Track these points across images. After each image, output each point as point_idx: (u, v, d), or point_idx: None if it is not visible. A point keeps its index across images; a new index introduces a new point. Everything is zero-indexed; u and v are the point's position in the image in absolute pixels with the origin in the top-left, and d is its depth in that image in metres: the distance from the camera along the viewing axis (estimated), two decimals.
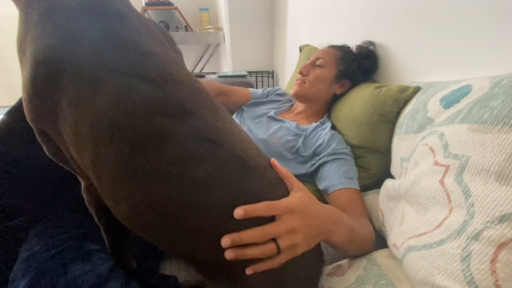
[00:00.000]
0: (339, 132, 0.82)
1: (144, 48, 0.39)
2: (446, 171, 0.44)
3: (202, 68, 2.38)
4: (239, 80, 1.47)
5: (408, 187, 0.51)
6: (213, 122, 0.40)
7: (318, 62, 0.90)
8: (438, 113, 0.54)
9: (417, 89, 0.67)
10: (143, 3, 2.00)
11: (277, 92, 1.10)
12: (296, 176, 0.75)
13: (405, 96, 0.68)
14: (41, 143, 0.42)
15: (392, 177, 0.73)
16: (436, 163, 0.46)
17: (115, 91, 0.35)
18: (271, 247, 0.37)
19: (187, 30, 2.18)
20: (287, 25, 1.71)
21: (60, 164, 0.44)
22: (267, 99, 1.05)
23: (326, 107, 0.93)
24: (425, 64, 0.74)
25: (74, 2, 0.39)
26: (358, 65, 0.88)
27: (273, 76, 2.05)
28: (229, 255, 0.35)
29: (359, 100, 0.77)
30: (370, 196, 0.74)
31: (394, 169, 0.69)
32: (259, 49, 2.00)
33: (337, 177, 0.69)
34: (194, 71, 2.38)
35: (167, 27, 2.14)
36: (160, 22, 2.13)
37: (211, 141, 0.38)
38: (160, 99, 0.36)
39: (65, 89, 0.35)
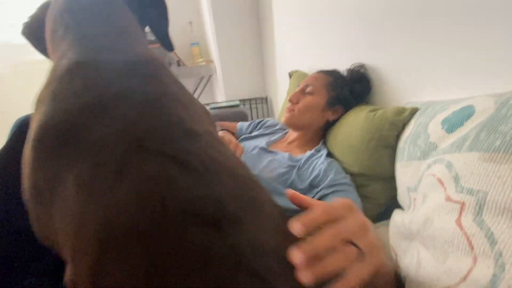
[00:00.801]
0: (337, 160, 0.77)
1: (189, 125, 0.32)
2: (461, 210, 0.38)
3: None
4: (232, 110, 1.45)
5: (420, 226, 0.45)
6: (264, 237, 0.27)
7: (307, 90, 0.87)
8: (441, 138, 0.49)
9: (414, 111, 0.63)
10: None
11: (266, 125, 1.06)
12: (292, 210, 0.70)
13: (402, 119, 0.63)
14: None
15: (400, 207, 0.66)
16: (448, 199, 0.40)
17: (145, 180, 0.26)
18: (351, 249, 0.27)
19: (179, 65, 2.21)
20: (275, 51, 1.72)
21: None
22: (257, 133, 1.01)
23: (320, 134, 0.88)
24: (418, 83, 0.70)
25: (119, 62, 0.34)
26: (350, 89, 0.85)
27: (267, 102, 2.04)
28: (306, 276, 0.24)
29: (354, 126, 0.73)
30: (380, 230, 0.67)
31: (401, 198, 0.63)
32: (250, 77, 2.01)
33: None
34: None
35: None
36: None
37: (258, 276, 0.24)
38: (199, 198, 0.26)
39: (77, 164, 0.27)
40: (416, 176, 0.53)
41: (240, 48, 1.93)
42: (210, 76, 2.29)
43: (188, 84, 2.44)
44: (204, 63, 2.14)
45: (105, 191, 0.26)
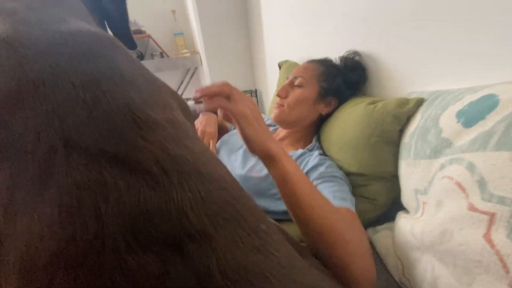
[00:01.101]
0: (332, 159, 0.70)
1: (140, 112, 0.25)
2: (491, 222, 0.31)
3: (182, 94, 2.27)
4: None
5: (435, 238, 0.38)
6: (239, 255, 0.23)
7: (297, 82, 0.78)
8: (457, 133, 0.42)
9: (419, 102, 0.55)
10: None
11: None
12: (281, 213, 0.63)
13: (406, 111, 0.56)
14: None
15: (403, 208, 0.60)
16: (472, 208, 0.33)
17: (73, 191, 0.20)
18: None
19: (162, 57, 2.09)
20: (264, 41, 1.63)
21: None
22: None
23: (313, 130, 0.81)
24: (422, 70, 0.63)
25: None
26: (343, 79, 0.77)
27: (256, 95, 1.95)
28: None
29: (351, 120, 0.65)
30: (382, 234, 0.60)
31: (407, 200, 0.56)
32: (239, 69, 1.91)
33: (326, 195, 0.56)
34: None
35: (142, 57, 2.05)
36: (132, 52, 2.04)
37: None
38: (151, 213, 0.21)
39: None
40: (426, 177, 0.47)
41: (226, 38, 1.82)
42: (196, 68, 2.18)
43: (173, 77, 2.32)
44: (188, 54, 2.02)
45: (26, 209, 0.20)
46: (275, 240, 0.28)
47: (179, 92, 2.31)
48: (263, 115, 1.04)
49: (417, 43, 0.62)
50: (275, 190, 0.65)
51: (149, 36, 2.01)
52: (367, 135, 0.60)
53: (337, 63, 0.83)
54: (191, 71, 2.21)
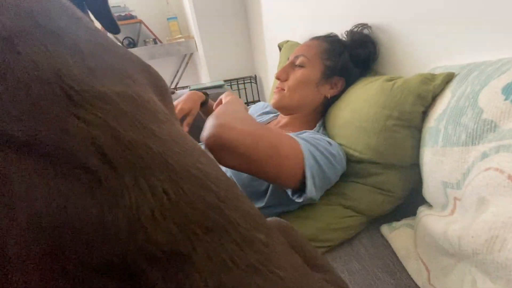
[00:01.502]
0: (341, 146, 0.61)
1: (78, 83, 0.18)
2: None
3: (177, 82, 2.18)
4: (216, 91, 1.27)
5: (480, 247, 0.30)
6: (228, 283, 0.17)
7: (298, 61, 0.69)
8: (505, 113, 0.33)
9: (448, 77, 0.46)
10: None
11: (263, 110, 0.90)
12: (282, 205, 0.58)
13: (432, 88, 0.47)
14: None
15: (422, 201, 0.52)
16: None
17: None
18: None
19: (156, 43, 1.98)
20: (263, 21, 1.51)
21: None
22: None
23: (318, 115, 0.72)
24: (444, 42, 0.53)
25: None
26: (350, 56, 0.68)
27: (256, 81, 1.85)
28: None
29: (364, 100, 0.57)
30: (400, 233, 0.53)
31: (431, 195, 0.48)
32: (236, 54, 1.80)
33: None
34: (171, 86, 2.17)
35: (134, 43, 1.94)
36: (124, 38, 1.93)
37: None
38: (97, 229, 0.15)
39: None
40: (459, 168, 0.38)
41: (222, 20, 1.70)
42: (192, 54, 2.07)
43: (169, 64, 2.21)
44: (183, 39, 1.91)
45: None
46: (278, 254, 0.21)
47: (175, 80, 2.21)
48: (262, 103, 0.96)
49: (438, 12, 0.53)
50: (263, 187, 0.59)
51: (140, 21, 1.89)
52: (384, 117, 0.51)
53: (343, 38, 0.73)
54: (187, 57, 2.10)
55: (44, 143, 0.15)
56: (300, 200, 0.51)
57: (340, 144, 0.60)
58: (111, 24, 0.48)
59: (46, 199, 0.14)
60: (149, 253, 0.15)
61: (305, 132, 0.63)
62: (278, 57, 1.20)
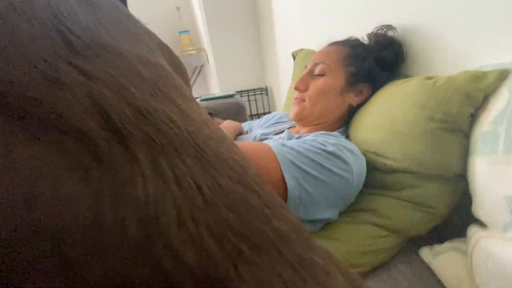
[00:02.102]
0: (369, 152, 0.54)
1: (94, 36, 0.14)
2: None
3: None
4: (227, 101, 1.23)
5: None
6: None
7: (317, 70, 0.64)
8: None
9: (503, 74, 0.40)
10: None
11: (278, 121, 0.84)
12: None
13: (484, 87, 0.40)
14: None
15: (467, 217, 0.44)
16: None
17: None
18: None
19: None
20: (275, 32, 1.49)
21: None
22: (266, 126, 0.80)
23: (341, 125, 0.66)
24: (483, 42, 0.47)
25: None
26: (375, 59, 0.62)
27: (267, 93, 1.81)
28: None
29: (398, 100, 0.50)
30: (447, 258, 0.45)
31: (488, 212, 0.40)
32: (248, 66, 1.78)
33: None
34: None
35: None
36: None
37: None
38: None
39: None
40: None
41: (234, 33, 1.70)
42: (202, 66, 2.06)
43: None
44: (194, 51, 1.91)
45: None
46: (341, 285, 0.14)
47: None
48: (276, 112, 0.91)
49: (475, 12, 0.47)
50: None
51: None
52: (425, 119, 0.44)
53: (365, 42, 0.68)
54: (197, 69, 2.10)
55: (18, 95, 0.10)
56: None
57: (367, 152, 0.53)
58: None
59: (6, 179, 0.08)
60: (172, 279, 0.09)
61: (307, 135, 0.56)
62: (291, 68, 1.16)
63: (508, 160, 0.34)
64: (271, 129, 0.77)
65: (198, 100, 1.21)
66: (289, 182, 0.42)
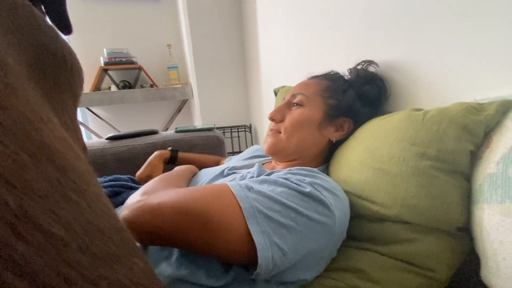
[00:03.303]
0: (352, 196, 0.45)
1: None
2: None
3: (168, 127, 2.10)
4: (205, 134, 1.15)
5: None
6: None
7: (295, 100, 0.58)
8: None
9: (505, 105, 0.34)
10: (102, 62, 1.80)
11: (255, 153, 0.76)
12: None
13: (484, 119, 0.34)
14: None
15: (472, 283, 0.34)
16: None
17: None
18: None
19: (151, 87, 1.96)
20: (261, 72, 1.50)
21: None
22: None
23: (320, 162, 0.58)
24: (472, 77, 0.43)
25: None
26: (356, 93, 0.57)
27: (250, 130, 1.76)
28: None
29: (383, 136, 0.43)
30: None
31: (504, 281, 0.30)
32: (232, 102, 1.76)
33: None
34: (164, 129, 2.09)
35: (130, 86, 1.92)
36: (120, 81, 1.91)
37: None
38: None
39: None
40: None
41: (221, 70, 1.71)
42: (186, 100, 2.04)
43: (164, 109, 2.17)
44: (179, 85, 1.89)
45: None
46: None
47: (168, 124, 2.15)
48: (256, 146, 0.83)
49: (461, 47, 0.44)
50: None
51: (140, 67, 1.90)
52: (416, 156, 0.37)
53: (346, 77, 0.64)
54: (181, 102, 2.07)
55: None
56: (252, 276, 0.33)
57: (350, 195, 0.44)
58: (64, 24, 0.38)
59: None
60: None
61: (275, 172, 0.47)
62: (273, 106, 1.12)
63: None
64: (246, 163, 0.68)
65: (172, 132, 1.12)
66: (258, 239, 0.32)
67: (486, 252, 0.32)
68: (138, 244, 0.42)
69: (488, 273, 0.33)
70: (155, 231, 0.33)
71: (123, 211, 0.36)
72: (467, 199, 0.36)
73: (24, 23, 0.19)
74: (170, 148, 0.84)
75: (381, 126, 0.45)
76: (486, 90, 0.41)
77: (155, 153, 0.79)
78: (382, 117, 0.49)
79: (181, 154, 0.84)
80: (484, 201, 0.32)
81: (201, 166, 0.73)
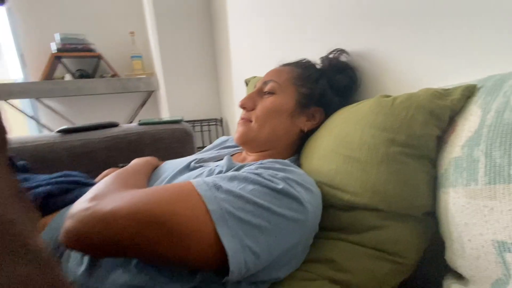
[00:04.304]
0: (323, 185, 0.44)
1: None
2: None
3: (134, 119, 1.97)
4: (172, 127, 1.08)
5: None
6: None
7: (267, 88, 0.56)
8: None
9: (469, 90, 0.34)
10: (52, 49, 1.61)
11: (224, 145, 0.72)
12: None
13: (449, 103, 0.34)
14: None
15: (445, 269, 0.35)
16: None
17: None
18: None
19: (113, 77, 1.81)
20: (231, 63, 1.45)
21: None
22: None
23: (291, 152, 0.57)
24: (438, 65, 0.44)
25: None
26: (328, 82, 0.57)
27: (221, 124, 1.71)
28: None
29: (354, 122, 0.42)
30: None
31: (469, 262, 0.31)
32: (202, 94, 1.69)
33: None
34: (128, 121, 1.95)
35: (88, 75, 1.75)
36: (77, 70, 1.74)
37: None
38: None
39: None
40: None
41: (188, 60, 1.63)
42: (152, 92, 1.92)
43: (129, 101, 2.02)
44: (144, 75, 1.78)
45: None
46: None
47: (133, 117, 2.01)
48: (222, 137, 0.80)
49: (428, 38, 0.44)
50: None
51: (99, 55, 1.75)
52: (385, 142, 0.36)
53: (318, 65, 0.63)
54: (147, 95, 1.94)
55: None
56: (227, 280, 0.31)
57: (321, 184, 0.43)
58: None
59: None
60: None
61: (246, 165, 0.45)
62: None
63: (494, 193, 0.26)
64: (214, 154, 0.64)
65: (135, 124, 1.04)
66: (229, 244, 0.29)
67: (451, 235, 0.33)
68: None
69: (453, 255, 0.33)
70: (108, 243, 0.28)
71: (67, 221, 0.30)
72: (433, 184, 0.36)
73: None
74: (120, 165, 0.66)
75: (351, 113, 0.44)
76: (451, 78, 0.42)
77: (104, 174, 0.65)
78: (352, 105, 0.49)
79: None
80: (450, 185, 0.32)
81: None
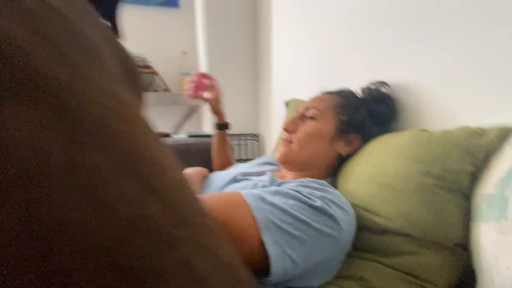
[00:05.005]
0: (358, 208, 0.47)
1: None
2: None
3: (177, 130, 2.15)
4: (206, 141, 1.19)
5: None
6: None
7: (309, 113, 0.62)
8: None
9: (505, 132, 0.37)
10: None
11: (265, 161, 0.79)
12: None
13: (485, 143, 0.37)
14: None
15: None
16: None
17: None
18: None
19: (165, 91, 2.03)
20: (272, 80, 1.54)
21: None
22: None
23: (328, 175, 0.61)
24: (479, 102, 0.46)
25: None
26: (368, 111, 0.61)
27: (258, 139, 1.80)
28: None
29: (390, 152, 0.46)
30: None
31: None
32: (242, 110, 1.80)
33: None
34: (173, 132, 2.14)
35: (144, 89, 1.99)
36: None
37: None
38: None
39: None
40: None
41: (232, 77, 1.76)
42: (196, 106, 2.09)
43: (176, 113, 2.23)
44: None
45: None
46: None
47: (177, 129, 2.20)
48: (266, 156, 0.86)
49: (469, 69, 0.47)
50: None
51: (155, 72, 1.97)
52: (419, 174, 0.40)
53: (359, 95, 0.67)
54: (192, 108, 2.12)
55: None
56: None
57: (356, 207, 0.47)
58: (113, 25, 0.41)
59: None
60: None
61: (292, 181, 0.50)
62: (284, 117, 1.16)
63: None
64: (255, 169, 0.71)
65: (184, 136, 1.16)
66: (272, 249, 0.34)
67: (482, 268, 0.35)
68: None
69: (483, 286, 0.35)
70: None
71: None
72: (466, 217, 0.38)
73: (117, 49, 0.21)
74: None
75: (389, 143, 0.48)
76: (486, 116, 0.45)
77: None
78: (389, 135, 0.52)
79: None
80: (482, 219, 0.35)
81: None
